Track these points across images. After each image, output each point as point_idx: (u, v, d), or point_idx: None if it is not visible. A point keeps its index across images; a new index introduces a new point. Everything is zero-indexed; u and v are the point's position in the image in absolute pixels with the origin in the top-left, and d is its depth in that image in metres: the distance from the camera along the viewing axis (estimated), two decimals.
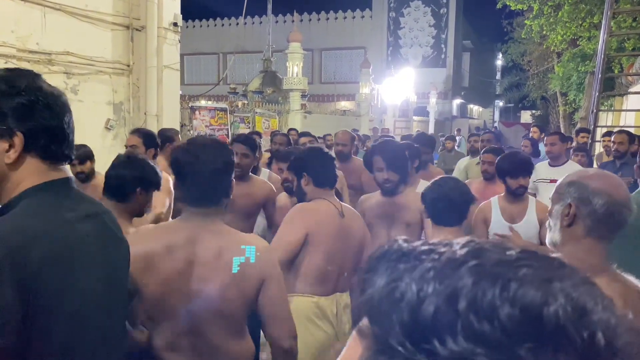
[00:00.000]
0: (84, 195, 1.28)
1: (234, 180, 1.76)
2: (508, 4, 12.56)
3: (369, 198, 3.13)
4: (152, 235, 1.70)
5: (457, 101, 28.48)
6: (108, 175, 2.24)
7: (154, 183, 2.26)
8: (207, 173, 1.63)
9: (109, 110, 5.80)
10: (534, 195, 3.86)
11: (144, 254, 1.60)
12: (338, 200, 2.52)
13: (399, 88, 21.17)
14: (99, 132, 5.64)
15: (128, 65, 5.91)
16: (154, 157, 3.72)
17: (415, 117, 23.66)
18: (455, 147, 9.38)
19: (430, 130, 20.76)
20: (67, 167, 1.24)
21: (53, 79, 5.15)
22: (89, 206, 1.23)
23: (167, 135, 4.54)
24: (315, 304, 2.39)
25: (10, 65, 4.82)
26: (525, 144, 6.12)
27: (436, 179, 2.43)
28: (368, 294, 0.37)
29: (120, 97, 5.90)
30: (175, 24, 6.07)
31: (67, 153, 1.19)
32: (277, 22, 24.52)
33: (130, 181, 2.18)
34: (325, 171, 2.46)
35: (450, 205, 2.25)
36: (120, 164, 2.25)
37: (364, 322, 0.38)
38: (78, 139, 5.18)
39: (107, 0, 5.61)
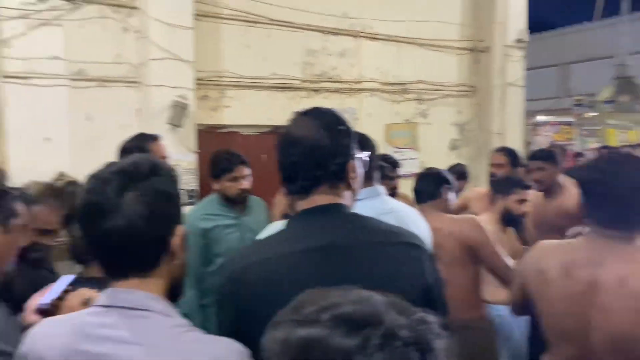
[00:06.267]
0: (339, 223, 1.17)
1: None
2: None
3: None
4: (549, 251, 1.65)
5: None
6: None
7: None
8: (622, 192, 1.48)
9: (454, 131, 6.09)
10: None
11: (538, 269, 1.61)
12: None
13: None
14: (443, 151, 5.99)
15: (472, 87, 6.10)
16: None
17: None
18: None
19: None
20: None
21: (406, 106, 5.74)
22: (331, 236, 1.13)
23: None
24: None
25: (374, 98, 5.62)
26: None
27: None
28: None
29: (464, 118, 6.13)
30: (520, 40, 5.97)
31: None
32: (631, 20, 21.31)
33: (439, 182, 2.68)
34: None
35: None
36: (431, 175, 2.73)
37: None
38: (426, 159, 5.57)
39: (453, 27, 5.94)
